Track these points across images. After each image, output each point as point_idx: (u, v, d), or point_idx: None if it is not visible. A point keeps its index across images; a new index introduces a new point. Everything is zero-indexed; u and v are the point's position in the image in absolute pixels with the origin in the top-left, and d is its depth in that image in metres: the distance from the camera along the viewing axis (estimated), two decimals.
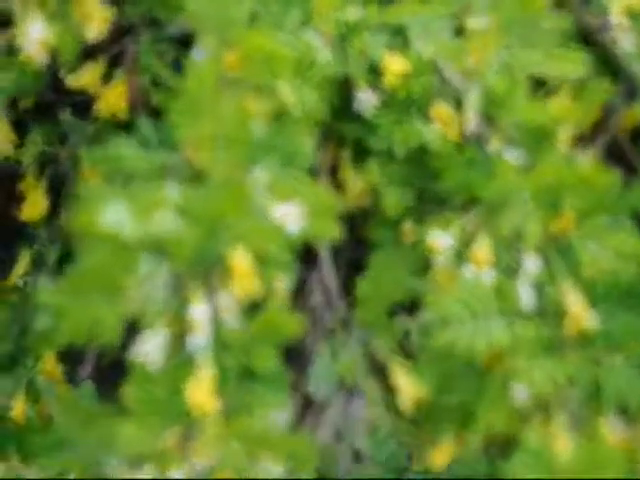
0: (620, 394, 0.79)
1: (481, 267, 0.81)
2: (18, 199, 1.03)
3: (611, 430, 0.76)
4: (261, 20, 0.85)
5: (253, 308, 0.72)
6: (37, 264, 1.00)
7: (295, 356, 0.91)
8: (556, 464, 0.72)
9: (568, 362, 0.78)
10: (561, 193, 0.84)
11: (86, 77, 0.93)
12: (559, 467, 0.72)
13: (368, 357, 0.83)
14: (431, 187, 0.90)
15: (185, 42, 0.88)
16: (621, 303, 0.83)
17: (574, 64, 0.93)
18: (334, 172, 0.92)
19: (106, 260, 0.68)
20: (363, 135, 0.91)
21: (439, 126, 0.89)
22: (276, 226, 0.71)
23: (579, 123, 0.93)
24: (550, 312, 0.80)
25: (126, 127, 0.83)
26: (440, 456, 0.80)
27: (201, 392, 0.69)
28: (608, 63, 0.99)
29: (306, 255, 0.92)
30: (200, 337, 0.71)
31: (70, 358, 0.96)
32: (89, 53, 0.91)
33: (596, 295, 0.82)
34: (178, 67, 0.90)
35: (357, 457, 0.87)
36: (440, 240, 0.84)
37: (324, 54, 0.87)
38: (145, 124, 0.78)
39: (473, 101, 0.89)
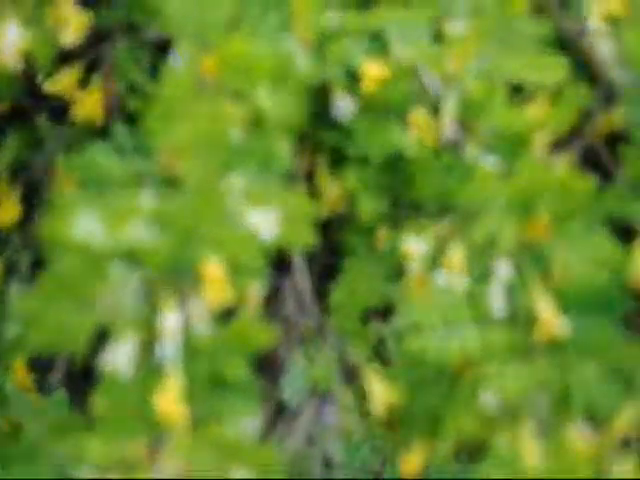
0: (589, 400, 0.80)
1: (454, 273, 0.82)
2: None
3: (579, 436, 0.77)
4: (239, 25, 0.86)
5: (226, 316, 0.73)
6: (9, 270, 1.00)
7: (269, 363, 0.92)
8: (524, 470, 0.73)
9: (538, 368, 0.79)
10: (536, 199, 0.85)
11: (62, 82, 0.93)
12: (527, 473, 0.73)
13: (342, 363, 0.84)
14: (407, 193, 0.90)
15: (163, 47, 0.88)
16: (593, 309, 0.83)
17: (552, 70, 0.93)
18: (311, 178, 0.93)
19: (76, 268, 0.69)
20: (340, 141, 0.92)
21: (416, 132, 0.90)
22: (250, 233, 0.72)
23: (556, 128, 0.94)
24: (521, 318, 0.81)
25: (102, 133, 0.83)
26: (412, 462, 0.81)
27: (170, 401, 0.69)
28: (586, 68, 0.99)
29: (280, 262, 0.93)
30: (170, 345, 0.71)
31: (40, 366, 0.96)
32: (65, 58, 0.91)
33: (568, 301, 0.83)
34: (155, 73, 0.90)
35: (329, 463, 0.88)
36: (414, 246, 0.85)
37: (302, 60, 0.88)
38: (120, 130, 0.78)
39: (451, 107, 0.90)
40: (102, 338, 0.72)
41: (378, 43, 0.93)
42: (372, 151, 0.90)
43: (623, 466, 0.78)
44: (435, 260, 0.85)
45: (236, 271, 0.71)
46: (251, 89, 0.82)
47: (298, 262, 0.88)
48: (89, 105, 0.90)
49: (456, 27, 0.92)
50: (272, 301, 0.91)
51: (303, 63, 0.87)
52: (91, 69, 0.94)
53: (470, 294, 0.81)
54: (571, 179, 0.85)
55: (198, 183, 0.72)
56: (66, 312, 0.70)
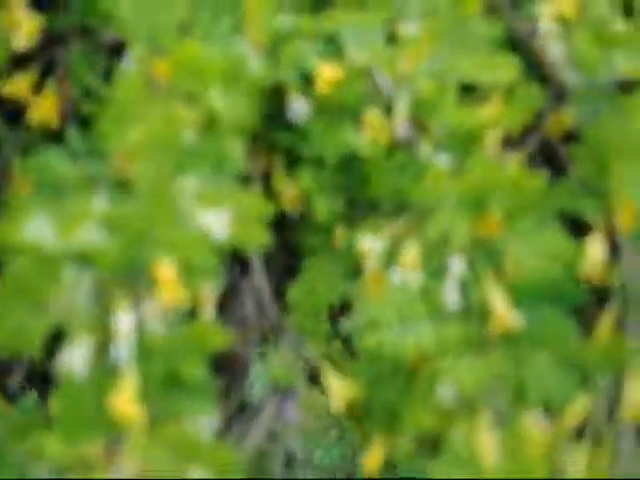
0: (544, 391, 0.81)
1: (409, 270, 0.83)
2: None
3: (535, 426, 0.78)
4: (191, 29, 0.86)
5: (187, 316, 0.73)
6: None
7: (229, 362, 0.92)
8: (480, 462, 0.74)
9: (493, 361, 0.80)
10: (488, 196, 0.86)
11: (17, 86, 0.93)
12: (483, 466, 0.74)
13: (302, 361, 0.84)
14: (362, 193, 0.91)
15: (117, 51, 0.88)
16: (546, 302, 0.85)
17: (504, 69, 0.95)
18: (267, 179, 0.93)
19: (30, 271, 0.69)
20: (295, 142, 0.92)
21: (370, 132, 0.91)
22: (202, 234, 0.72)
23: (509, 127, 0.95)
24: (475, 312, 0.82)
25: (57, 136, 0.83)
26: (373, 457, 0.81)
27: (125, 401, 0.70)
28: (537, 69, 1.01)
29: (238, 262, 0.94)
30: (124, 346, 0.71)
31: (1, 369, 0.95)
32: (19, 62, 0.91)
33: (521, 294, 0.84)
34: (110, 76, 0.90)
35: (290, 460, 0.89)
36: (370, 245, 0.86)
37: (254, 62, 0.88)
38: (74, 134, 0.78)
39: (403, 107, 0.91)
40: (58, 340, 0.72)
41: (332, 45, 0.94)
42: (327, 151, 0.91)
43: (577, 454, 0.79)
44: (391, 258, 0.86)
45: (190, 272, 0.72)
46: (204, 91, 0.83)
47: (256, 262, 0.88)
48: (44, 109, 0.90)
49: (409, 28, 0.93)
50: (231, 301, 0.91)
51: (256, 65, 0.88)
52: (46, 73, 0.94)
53: (425, 290, 0.82)
54: (522, 176, 0.87)
55: (150, 185, 0.73)
56: (21, 315, 0.70)
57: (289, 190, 0.92)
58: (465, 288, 0.83)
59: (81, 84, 0.92)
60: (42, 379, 0.87)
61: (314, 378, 0.84)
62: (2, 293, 0.71)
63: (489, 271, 0.83)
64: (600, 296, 0.91)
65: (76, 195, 0.74)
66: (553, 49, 1.01)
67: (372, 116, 0.91)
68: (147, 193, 0.72)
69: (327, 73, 0.91)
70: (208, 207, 0.74)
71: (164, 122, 0.78)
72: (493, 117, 0.92)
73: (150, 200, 0.72)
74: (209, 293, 0.74)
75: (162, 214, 0.72)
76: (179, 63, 0.83)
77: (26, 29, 0.82)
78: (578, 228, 0.98)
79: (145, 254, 0.72)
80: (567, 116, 1.00)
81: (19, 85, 0.92)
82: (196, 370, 0.72)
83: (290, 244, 0.93)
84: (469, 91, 0.96)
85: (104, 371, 0.71)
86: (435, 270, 0.84)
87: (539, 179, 0.87)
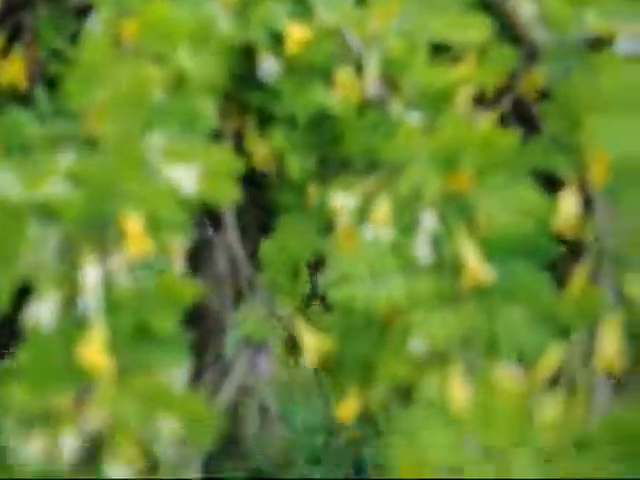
0: (517, 344, 0.81)
1: (381, 226, 0.83)
2: None
3: (507, 377, 0.79)
4: None
5: (151, 270, 0.73)
6: None
7: (203, 317, 0.92)
8: (452, 411, 0.74)
9: (465, 314, 0.80)
10: (459, 153, 0.86)
11: None
12: (455, 414, 0.74)
13: (274, 316, 0.84)
14: (334, 151, 0.91)
15: (84, 13, 0.88)
16: (519, 256, 0.85)
17: (476, 29, 0.95)
18: (239, 139, 0.93)
19: None
20: (267, 102, 0.92)
21: (341, 91, 0.91)
22: (170, 188, 0.72)
23: (483, 87, 0.95)
24: (447, 266, 0.82)
25: (25, 98, 0.83)
26: (347, 408, 0.82)
27: (94, 352, 0.70)
28: (509, 29, 1.01)
29: (212, 219, 0.93)
30: (91, 298, 0.71)
31: None
32: None
33: (493, 249, 0.84)
34: (77, 39, 0.90)
35: (264, 413, 0.89)
36: (342, 202, 0.86)
37: (224, 22, 0.88)
38: (41, 96, 0.78)
39: (374, 66, 0.91)
40: (25, 294, 0.72)
41: (301, 6, 0.93)
42: (298, 110, 0.91)
43: (551, 404, 0.80)
44: (363, 215, 0.86)
45: (158, 226, 0.71)
46: (172, 52, 0.83)
47: (229, 218, 0.88)
48: (12, 72, 0.90)
49: None
50: (204, 257, 0.91)
51: (225, 26, 0.88)
52: (13, 37, 0.94)
53: (397, 245, 0.83)
54: (494, 133, 0.87)
55: (117, 142, 0.72)
56: None
57: (261, 149, 0.92)
58: (437, 243, 0.83)
59: (48, 47, 0.92)
60: (10, 333, 0.86)
61: (287, 333, 0.84)
62: None
63: (461, 226, 0.83)
64: (573, 250, 0.91)
65: (44, 153, 0.74)
66: (525, 9, 1.02)
67: (343, 75, 0.91)
68: (113, 149, 0.73)
69: (297, 33, 0.91)
70: (177, 163, 0.74)
71: (132, 82, 0.78)
72: (465, 76, 0.93)
73: (116, 155, 0.72)
74: (179, 247, 0.74)
75: (128, 168, 0.72)
76: (147, 24, 0.83)
77: None
78: (552, 185, 0.99)
79: (111, 207, 0.72)
80: (539, 75, 1.01)
81: None
82: (167, 323, 0.72)
83: (263, 203, 0.93)
84: (443, 51, 0.96)
85: (72, 324, 0.71)
86: (407, 225, 0.84)
87: (511, 136, 0.88)
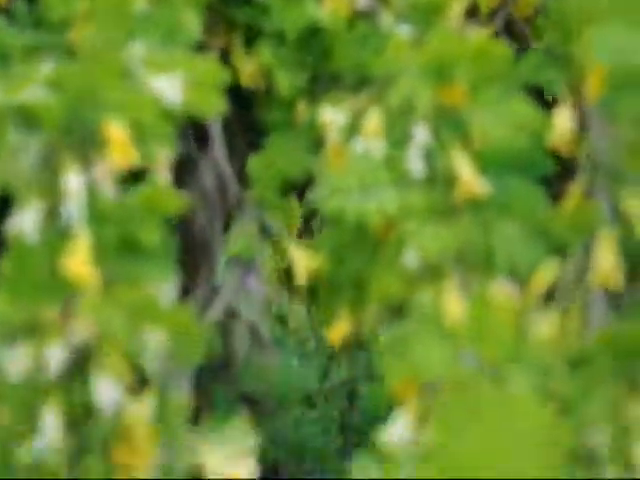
0: (512, 258, 0.80)
1: (372, 139, 0.81)
2: None
3: (502, 291, 0.78)
4: None
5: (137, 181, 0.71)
6: None
7: (191, 236, 0.91)
8: (447, 324, 0.73)
9: (459, 228, 0.79)
10: (451, 66, 0.84)
11: None
12: (450, 329, 0.73)
13: (264, 234, 0.83)
14: (324, 67, 0.89)
15: None
16: (514, 171, 0.83)
17: None
18: (226, 55, 0.91)
19: None
20: (255, 17, 0.90)
21: (330, 4, 0.88)
22: (153, 97, 0.70)
23: (476, 2, 0.93)
24: (440, 179, 0.81)
25: (5, 11, 0.80)
26: (339, 329, 0.81)
27: (78, 262, 0.68)
28: None
29: (199, 135, 0.91)
30: (74, 207, 0.70)
31: None
32: None
33: (488, 163, 0.82)
34: None
35: (254, 333, 0.88)
36: (332, 117, 0.84)
37: None
38: (20, 7, 0.75)
39: None
40: (7, 203, 0.70)
41: None
42: (287, 25, 0.88)
43: (545, 320, 0.79)
44: (353, 130, 0.84)
45: (142, 136, 0.70)
46: None
47: (215, 132, 0.86)
48: None
49: None
50: (190, 173, 0.89)
51: None
52: None
53: (388, 158, 0.81)
54: (487, 46, 0.85)
55: (98, 50, 0.70)
56: None
57: (249, 66, 0.90)
58: (430, 156, 0.82)
59: None
60: None
61: (277, 250, 0.83)
62: None
63: (454, 139, 0.81)
64: (569, 167, 0.90)
65: (23, 63, 0.71)
66: None
67: None
68: (94, 57, 0.70)
69: None
70: (160, 72, 0.72)
71: None
72: None
73: (97, 62, 0.70)
74: (163, 158, 0.72)
75: (109, 76, 0.69)
76: None
77: None
78: (546, 103, 0.97)
79: (93, 115, 0.70)
80: None
81: None
82: (152, 235, 0.70)
83: (251, 121, 0.91)
84: None
85: (56, 234, 0.69)
86: (399, 139, 0.82)
87: (504, 49, 0.85)
